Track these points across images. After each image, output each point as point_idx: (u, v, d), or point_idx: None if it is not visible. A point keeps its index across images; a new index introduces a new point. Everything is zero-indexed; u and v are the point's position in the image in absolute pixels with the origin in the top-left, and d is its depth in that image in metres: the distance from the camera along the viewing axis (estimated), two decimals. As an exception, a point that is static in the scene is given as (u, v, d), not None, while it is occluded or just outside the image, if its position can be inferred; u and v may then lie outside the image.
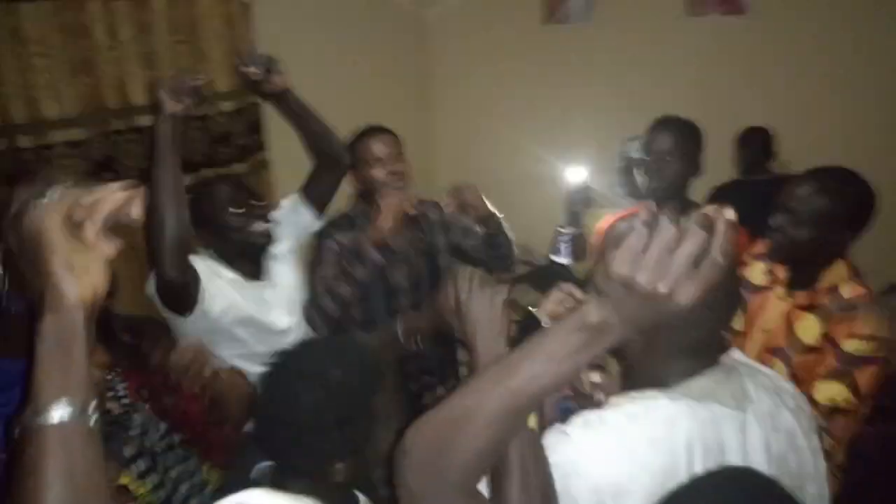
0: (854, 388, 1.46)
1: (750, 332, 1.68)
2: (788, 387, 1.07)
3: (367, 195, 2.05)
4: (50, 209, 0.65)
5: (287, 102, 1.91)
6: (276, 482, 1.03)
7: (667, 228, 0.63)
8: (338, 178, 2.07)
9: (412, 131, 2.32)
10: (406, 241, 2.07)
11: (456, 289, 0.96)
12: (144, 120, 2.32)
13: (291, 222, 2.06)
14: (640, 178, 2.04)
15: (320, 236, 2.07)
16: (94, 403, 0.61)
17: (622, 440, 0.90)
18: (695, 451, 0.89)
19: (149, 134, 1.63)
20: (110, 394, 1.57)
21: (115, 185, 0.69)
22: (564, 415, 0.97)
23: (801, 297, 1.60)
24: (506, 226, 2.09)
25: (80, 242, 0.66)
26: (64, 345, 0.61)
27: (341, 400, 0.99)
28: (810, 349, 1.54)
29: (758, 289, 1.72)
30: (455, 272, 1.02)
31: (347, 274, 1.91)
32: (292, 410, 0.98)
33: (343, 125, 2.12)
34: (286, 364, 1.05)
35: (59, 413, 0.58)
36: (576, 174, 2.52)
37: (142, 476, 1.49)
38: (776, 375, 1.09)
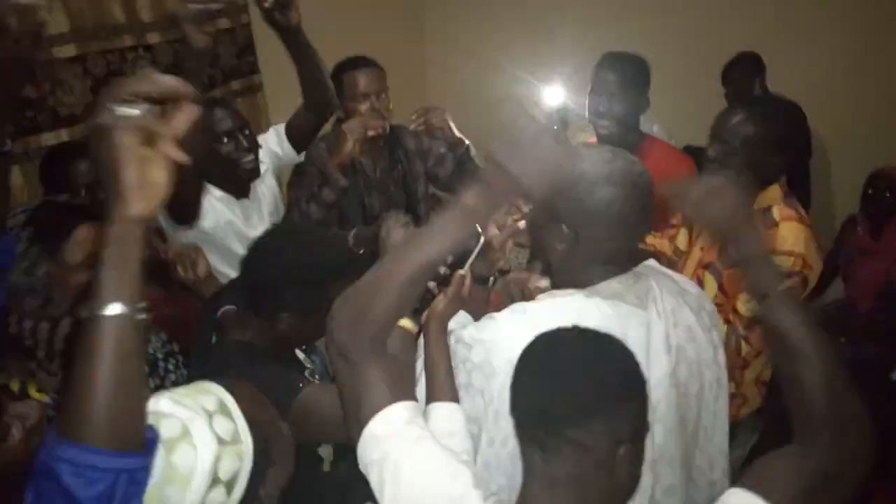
0: None
1: (691, 251, 1.80)
2: (693, 290, 1.21)
3: None
4: (127, 126, 0.71)
5: (294, 40, 1.90)
6: (238, 323, 1.42)
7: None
8: (323, 120, 2.14)
9: (401, 57, 2.33)
10: (378, 167, 2.17)
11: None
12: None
13: (273, 152, 2.17)
14: (590, 115, 2.11)
15: (305, 157, 2.18)
16: (143, 304, 0.72)
17: (536, 325, 1.04)
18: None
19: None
20: None
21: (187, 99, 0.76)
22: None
23: None
24: (474, 152, 2.20)
25: (152, 153, 0.72)
26: (124, 251, 0.71)
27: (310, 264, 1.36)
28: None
29: None
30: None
31: (317, 196, 2.01)
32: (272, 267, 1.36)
33: (333, 50, 2.15)
34: (272, 235, 1.52)
35: (114, 307, 0.69)
36: (552, 95, 2.55)
37: None
38: (684, 280, 1.24)
